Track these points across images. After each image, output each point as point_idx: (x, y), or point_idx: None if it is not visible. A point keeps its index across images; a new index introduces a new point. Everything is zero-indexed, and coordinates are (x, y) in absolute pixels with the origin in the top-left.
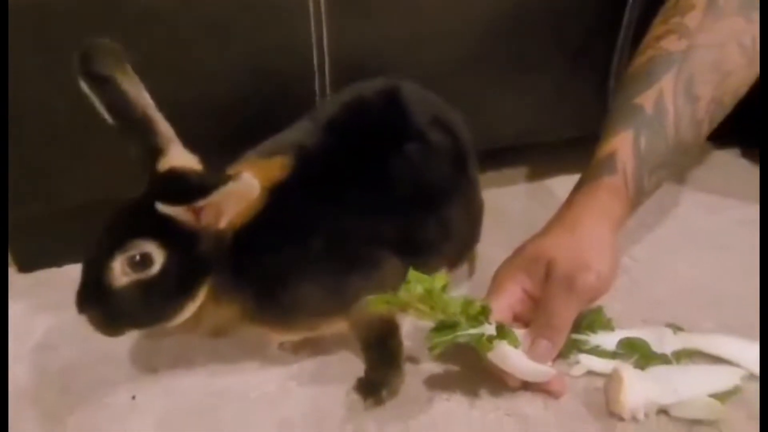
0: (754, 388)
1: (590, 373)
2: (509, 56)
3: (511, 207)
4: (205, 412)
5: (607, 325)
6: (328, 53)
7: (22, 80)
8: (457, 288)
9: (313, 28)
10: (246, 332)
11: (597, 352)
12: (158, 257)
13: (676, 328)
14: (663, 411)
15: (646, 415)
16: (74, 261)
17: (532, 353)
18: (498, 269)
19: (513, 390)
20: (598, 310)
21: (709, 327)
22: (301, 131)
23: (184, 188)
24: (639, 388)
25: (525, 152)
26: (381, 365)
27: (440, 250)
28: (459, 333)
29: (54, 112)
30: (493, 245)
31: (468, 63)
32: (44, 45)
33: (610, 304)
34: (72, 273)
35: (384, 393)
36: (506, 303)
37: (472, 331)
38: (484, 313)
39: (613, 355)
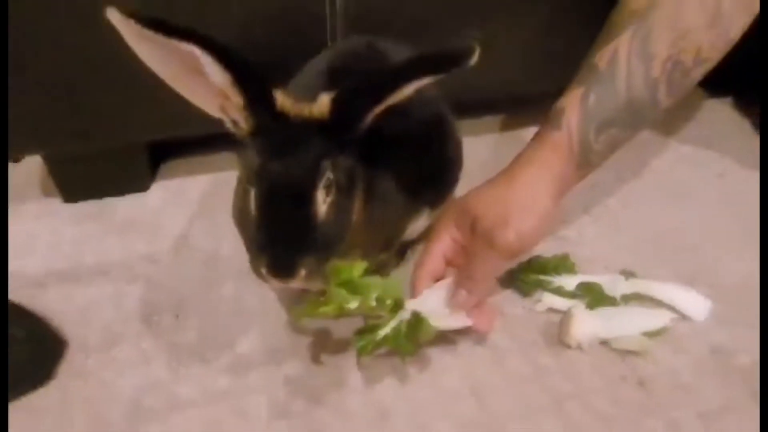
0: (684, 327)
1: (550, 309)
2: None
3: (482, 156)
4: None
5: (571, 269)
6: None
7: (66, 28)
8: None
9: None
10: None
11: (559, 291)
12: (332, 173)
13: (629, 275)
14: (604, 343)
15: (590, 345)
16: (113, 194)
17: (453, 301)
18: (436, 218)
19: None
20: (565, 256)
21: (663, 274)
22: (307, 79)
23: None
24: (585, 324)
25: (502, 103)
26: None
27: (426, 186)
28: (380, 334)
29: (98, 62)
30: (459, 194)
31: (453, 11)
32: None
33: (578, 249)
34: (113, 205)
35: None
36: (439, 250)
37: (390, 326)
38: (398, 305)
39: (571, 295)
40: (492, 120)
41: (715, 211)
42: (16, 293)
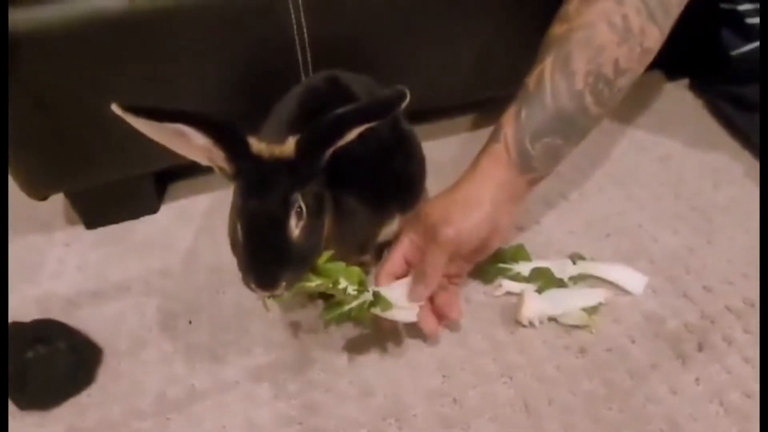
0: (623, 300)
1: (508, 293)
2: (450, 7)
3: (454, 154)
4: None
5: (526, 257)
6: (307, 38)
7: (80, 84)
8: None
9: (293, 20)
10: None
11: (515, 277)
12: (302, 202)
13: (578, 257)
14: (553, 319)
15: (540, 322)
16: (128, 218)
17: (411, 294)
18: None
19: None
20: (521, 246)
21: (607, 254)
22: (279, 119)
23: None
24: (535, 305)
25: (471, 104)
26: None
27: (392, 197)
28: (345, 308)
29: (107, 110)
30: (433, 193)
31: (405, 18)
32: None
33: (536, 237)
34: (130, 227)
35: None
36: (398, 252)
37: (354, 303)
38: (362, 283)
39: (527, 279)
40: (463, 119)
41: (656, 192)
42: (53, 312)
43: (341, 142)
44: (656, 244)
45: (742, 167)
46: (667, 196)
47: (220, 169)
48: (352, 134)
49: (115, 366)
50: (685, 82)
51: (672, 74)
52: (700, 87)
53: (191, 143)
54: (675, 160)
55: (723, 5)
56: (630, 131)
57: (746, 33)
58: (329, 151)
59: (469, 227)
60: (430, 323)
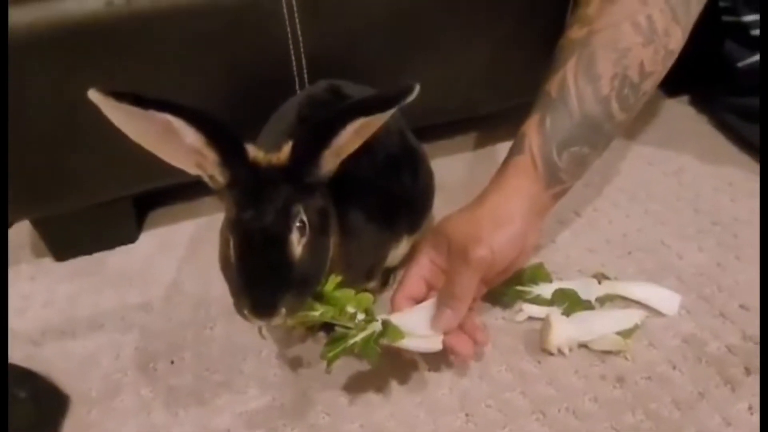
0: (657, 322)
1: (531, 318)
2: (450, 21)
3: (459, 174)
4: None
5: (547, 278)
6: (303, 48)
7: (51, 93)
8: None
9: (288, 30)
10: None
11: (537, 300)
12: (304, 215)
13: (603, 277)
14: (583, 345)
15: (570, 349)
16: (102, 249)
17: (436, 321)
18: (415, 243)
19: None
20: (540, 265)
21: (631, 272)
22: (278, 128)
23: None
24: (563, 330)
25: (472, 121)
26: None
27: (401, 215)
28: (349, 342)
29: (75, 125)
30: (438, 214)
31: (404, 28)
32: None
33: (553, 256)
34: (104, 258)
35: None
36: (418, 273)
37: (359, 336)
38: (369, 312)
39: (549, 302)
40: (465, 138)
41: (674, 208)
42: (12, 354)
43: (340, 140)
44: (682, 261)
45: (756, 179)
46: (686, 211)
47: (211, 178)
48: (351, 128)
49: (84, 416)
50: (685, 98)
51: (672, 92)
52: (703, 102)
53: (179, 143)
54: (688, 174)
55: (725, 18)
56: (636, 147)
57: (751, 44)
58: (325, 154)
59: (502, 245)
60: (466, 345)
